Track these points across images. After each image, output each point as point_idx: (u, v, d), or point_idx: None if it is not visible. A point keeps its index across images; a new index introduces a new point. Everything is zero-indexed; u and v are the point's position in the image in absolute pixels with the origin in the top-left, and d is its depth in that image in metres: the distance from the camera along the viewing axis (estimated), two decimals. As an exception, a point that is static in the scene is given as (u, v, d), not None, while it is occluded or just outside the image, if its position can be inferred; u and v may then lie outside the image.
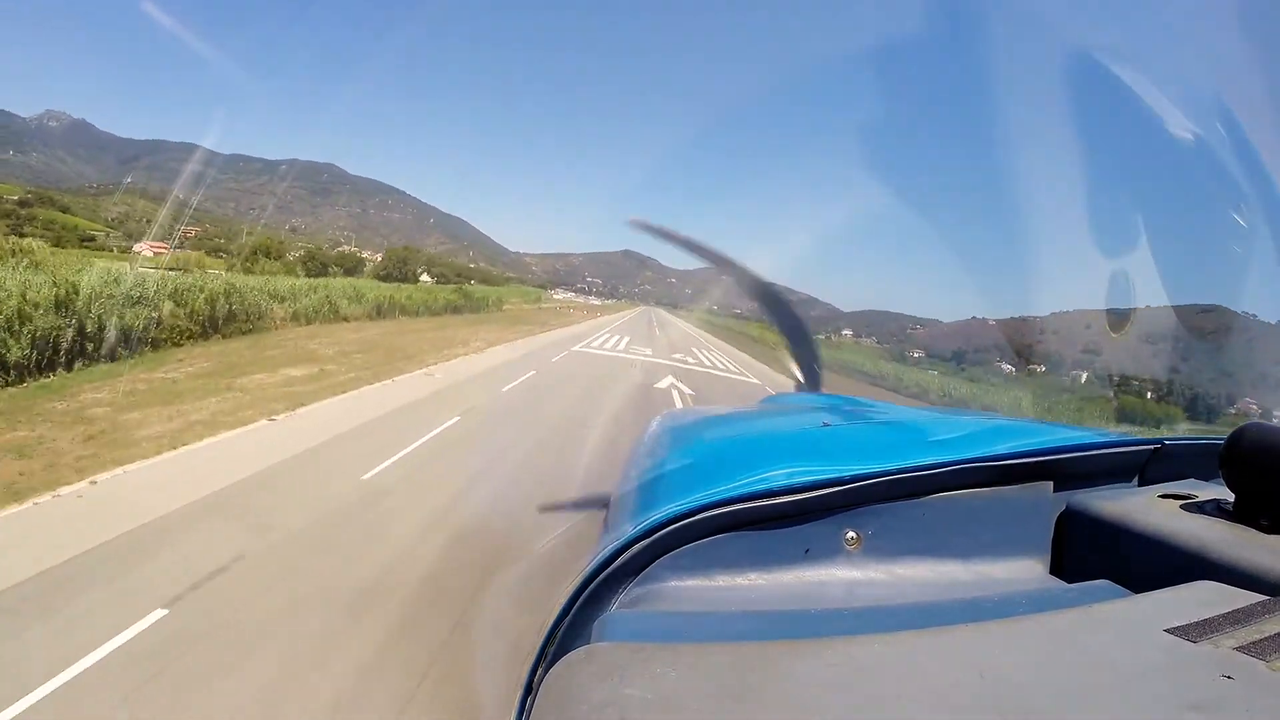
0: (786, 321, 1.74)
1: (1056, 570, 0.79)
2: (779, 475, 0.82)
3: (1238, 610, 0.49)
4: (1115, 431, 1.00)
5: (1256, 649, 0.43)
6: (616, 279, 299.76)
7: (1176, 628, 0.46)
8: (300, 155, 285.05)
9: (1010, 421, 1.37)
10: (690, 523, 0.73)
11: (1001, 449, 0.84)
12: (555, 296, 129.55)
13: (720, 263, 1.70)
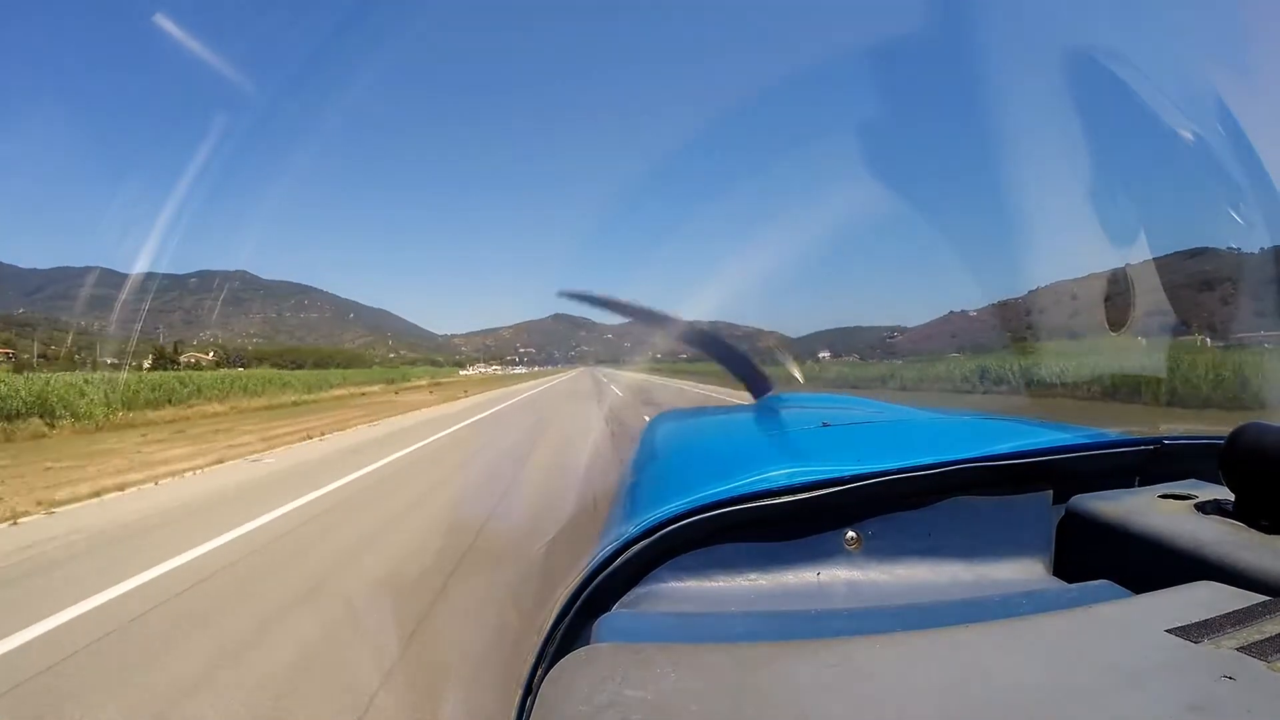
0: (722, 353, 1.82)
1: (1057, 571, 0.79)
2: (779, 475, 0.82)
3: (1238, 611, 0.49)
4: (1115, 431, 0.98)
5: (1257, 649, 0.43)
6: (550, 345, 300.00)
7: (1177, 628, 0.46)
8: (211, 266, 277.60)
9: (1010, 421, 1.36)
10: (690, 523, 0.73)
11: (1001, 449, 0.83)
12: (461, 373, 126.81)
13: (650, 319, 1.74)
